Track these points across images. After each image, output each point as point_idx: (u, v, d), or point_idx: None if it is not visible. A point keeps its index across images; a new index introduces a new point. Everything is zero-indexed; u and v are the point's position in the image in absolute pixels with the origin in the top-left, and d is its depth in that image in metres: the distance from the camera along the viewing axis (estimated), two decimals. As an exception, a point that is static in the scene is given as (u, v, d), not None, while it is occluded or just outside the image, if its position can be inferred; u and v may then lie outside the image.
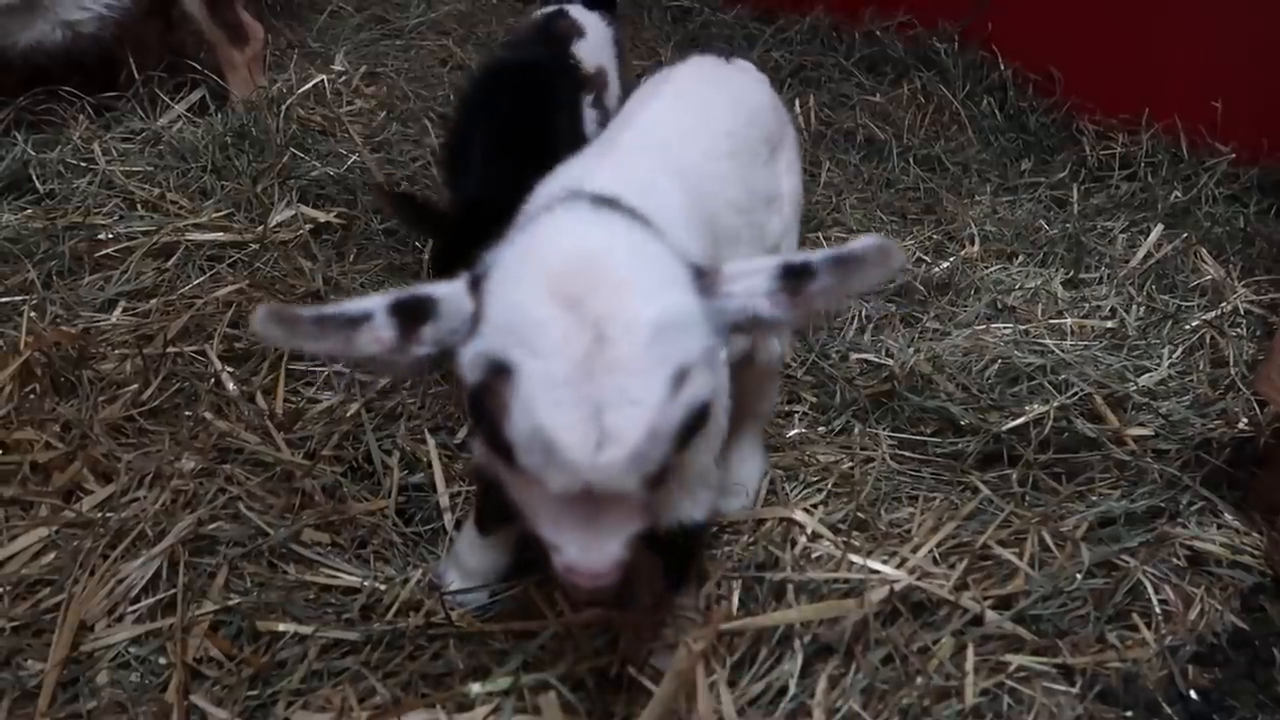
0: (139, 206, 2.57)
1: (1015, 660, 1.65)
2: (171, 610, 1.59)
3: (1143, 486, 2.03)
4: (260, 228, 2.50)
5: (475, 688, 1.45)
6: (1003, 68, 3.88)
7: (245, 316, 2.20)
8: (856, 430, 2.18)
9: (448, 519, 1.84)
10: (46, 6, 2.77)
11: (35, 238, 2.41)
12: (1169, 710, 1.64)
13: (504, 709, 1.43)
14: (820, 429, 2.20)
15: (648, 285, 1.04)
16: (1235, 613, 1.83)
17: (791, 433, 2.17)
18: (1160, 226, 2.99)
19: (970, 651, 1.63)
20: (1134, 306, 2.64)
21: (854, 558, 1.77)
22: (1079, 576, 1.79)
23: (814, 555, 1.81)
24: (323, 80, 3.11)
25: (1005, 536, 1.87)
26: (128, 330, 2.15)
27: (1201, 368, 2.40)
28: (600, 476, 1.00)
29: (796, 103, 3.64)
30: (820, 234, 2.92)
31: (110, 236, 2.44)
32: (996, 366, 2.30)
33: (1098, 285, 2.77)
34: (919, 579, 1.73)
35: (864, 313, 2.54)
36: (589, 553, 1.06)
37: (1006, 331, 2.49)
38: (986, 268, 2.84)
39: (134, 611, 1.60)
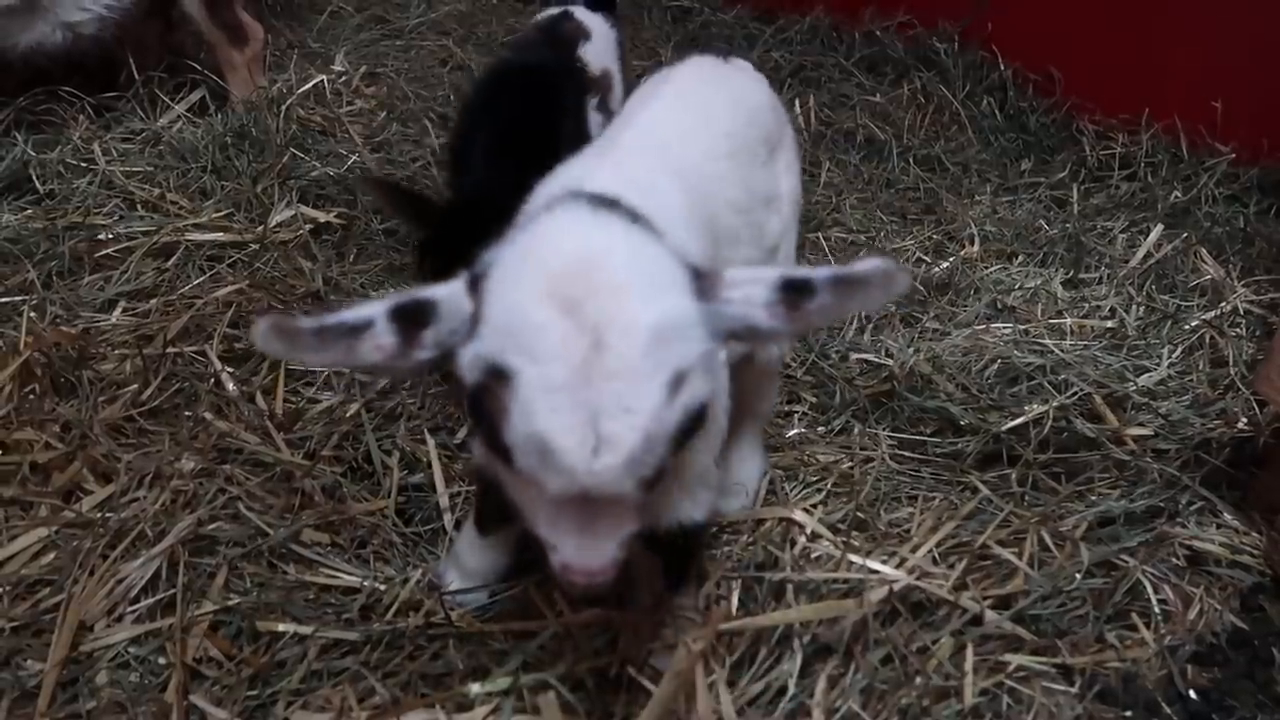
0: (139, 207, 2.57)
1: (1014, 660, 1.65)
2: (171, 610, 1.59)
3: (1142, 486, 2.03)
4: (260, 228, 2.50)
5: (475, 688, 1.45)
6: (1003, 68, 3.88)
7: (245, 317, 2.21)
8: (856, 430, 2.18)
9: (447, 519, 1.85)
10: (46, 8, 2.77)
11: (35, 238, 2.41)
12: (1168, 710, 1.64)
13: (503, 709, 1.43)
14: (820, 429, 2.20)
15: (646, 289, 1.04)
16: (1235, 612, 1.83)
17: (791, 433, 2.17)
18: (1160, 226, 2.99)
19: (969, 651, 1.63)
20: (1134, 306, 2.64)
21: (853, 558, 1.77)
22: (1078, 576, 1.79)
23: (813, 555, 1.81)
24: (323, 80, 3.12)
25: (1005, 536, 1.87)
26: (128, 330, 2.16)
27: (1201, 368, 2.40)
28: (596, 481, 1.00)
29: (796, 103, 3.65)
30: (820, 234, 2.93)
31: (110, 237, 2.44)
32: (996, 366, 2.30)
33: (1097, 285, 2.77)
34: (918, 579, 1.73)
35: (864, 313, 2.54)
36: (585, 553, 1.07)
37: (1006, 331, 2.49)
38: (986, 268, 2.84)
39: (133, 611, 1.60)
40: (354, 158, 2.82)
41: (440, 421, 2.05)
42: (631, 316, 1.01)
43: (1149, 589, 1.80)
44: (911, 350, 2.33)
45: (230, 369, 2.07)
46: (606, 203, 1.16)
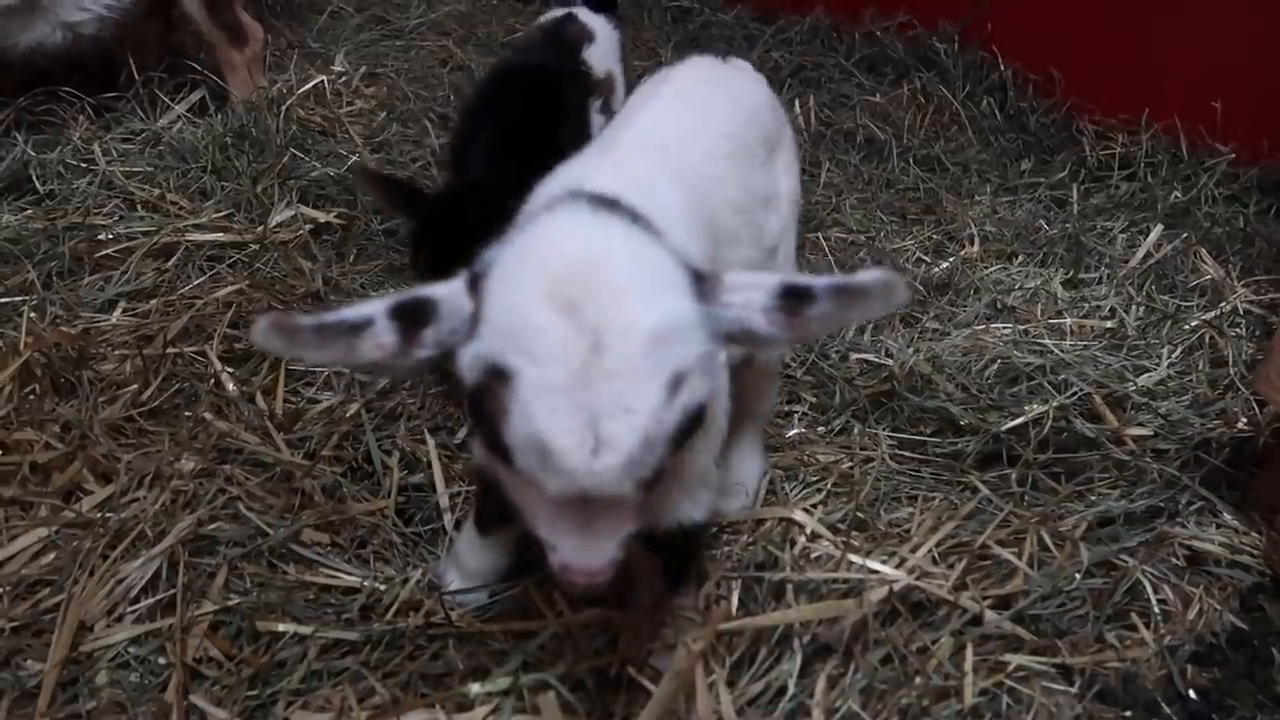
0: (139, 207, 2.57)
1: (1014, 660, 1.65)
2: (171, 610, 1.59)
3: (1142, 486, 2.03)
4: (260, 228, 2.50)
5: (475, 688, 1.45)
6: (1003, 68, 3.88)
7: (245, 317, 2.21)
8: (856, 430, 2.18)
9: (447, 519, 1.85)
10: (46, 8, 2.78)
11: (35, 238, 2.41)
12: (1168, 710, 1.64)
13: (503, 709, 1.43)
14: (820, 429, 2.20)
15: (646, 291, 1.04)
16: (1234, 612, 1.83)
17: (791, 433, 2.17)
18: (1160, 226, 2.99)
19: (969, 651, 1.63)
20: (1133, 306, 2.64)
21: (853, 558, 1.77)
22: (1078, 576, 1.79)
23: (813, 555, 1.81)
24: (323, 81, 3.12)
25: (1004, 536, 1.87)
26: (128, 331, 2.16)
27: (1201, 368, 2.40)
28: (595, 482, 1.01)
29: (796, 103, 3.65)
30: (820, 234, 2.93)
31: (110, 237, 2.44)
32: (996, 366, 2.30)
33: (1097, 285, 2.77)
34: (918, 579, 1.73)
35: (864, 314, 2.54)
36: (584, 553, 1.07)
37: (1006, 331, 2.49)
38: (986, 268, 2.84)
39: (133, 612, 1.60)
40: (354, 158, 2.82)
41: (440, 421, 2.05)
42: (631, 318, 1.01)
43: (1149, 589, 1.80)
44: (911, 350, 2.33)
45: (230, 369, 2.07)
46: (606, 203, 1.16)
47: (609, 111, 2.57)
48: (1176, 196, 3.23)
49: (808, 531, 1.85)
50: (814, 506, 1.94)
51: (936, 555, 1.82)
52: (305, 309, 2.22)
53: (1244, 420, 2.18)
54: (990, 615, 1.69)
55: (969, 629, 1.68)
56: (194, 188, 2.67)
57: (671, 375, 1.01)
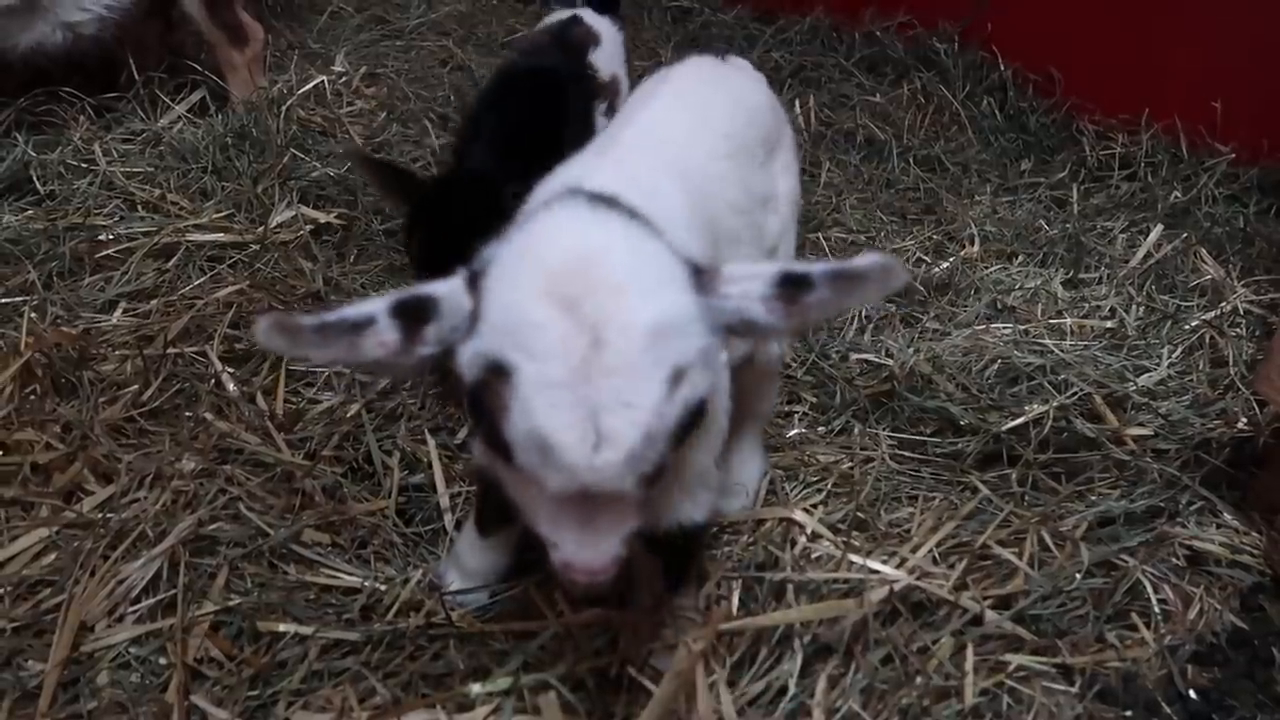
0: (139, 207, 2.57)
1: (1015, 660, 1.65)
2: (172, 611, 1.59)
3: (1142, 486, 2.03)
4: (261, 228, 2.50)
5: (475, 688, 1.45)
6: (1003, 68, 3.88)
7: (246, 317, 2.21)
8: (856, 430, 2.18)
9: (448, 519, 1.85)
10: (46, 8, 2.78)
11: (36, 239, 2.41)
12: (1168, 710, 1.64)
13: (504, 709, 1.43)
14: (820, 429, 2.20)
15: (645, 286, 1.04)
16: (1234, 612, 1.83)
17: (791, 433, 2.17)
18: (1160, 226, 2.99)
19: (970, 651, 1.63)
20: (1134, 306, 2.64)
21: (854, 558, 1.77)
22: (1078, 576, 1.79)
23: (814, 555, 1.81)
24: (323, 81, 3.12)
25: (1005, 536, 1.87)
26: (128, 331, 2.16)
27: (1201, 368, 2.40)
28: (597, 477, 1.01)
29: (796, 103, 3.65)
30: (820, 234, 2.93)
31: (111, 237, 2.44)
32: (996, 366, 2.30)
33: (1097, 285, 2.77)
34: (919, 579, 1.73)
35: (864, 313, 2.54)
36: (586, 550, 1.07)
37: (1006, 331, 2.49)
38: (986, 268, 2.84)
39: (134, 612, 1.60)
40: (353, 149, 2.82)
41: (441, 422, 2.05)
42: (630, 314, 1.01)
43: (1149, 589, 1.80)
44: (911, 350, 2.33)
45: (231, 369, 2.07)
46: (605, 200, 1.16)
47: (614, 115, 2.57)
48: (1176, 196, 3.24)
49: (808, 531, 1.85)
50: (814, 506, 1.94)
51: (937, 555, 1.82)
52: (306, 309, 2.23)
53: (1244, 420, 2.18)
54: (991, 615, 1.69)
55: (969, 629, 1.68)
56: (194, 188, 2.67)
57: (672, 370, 1.01)
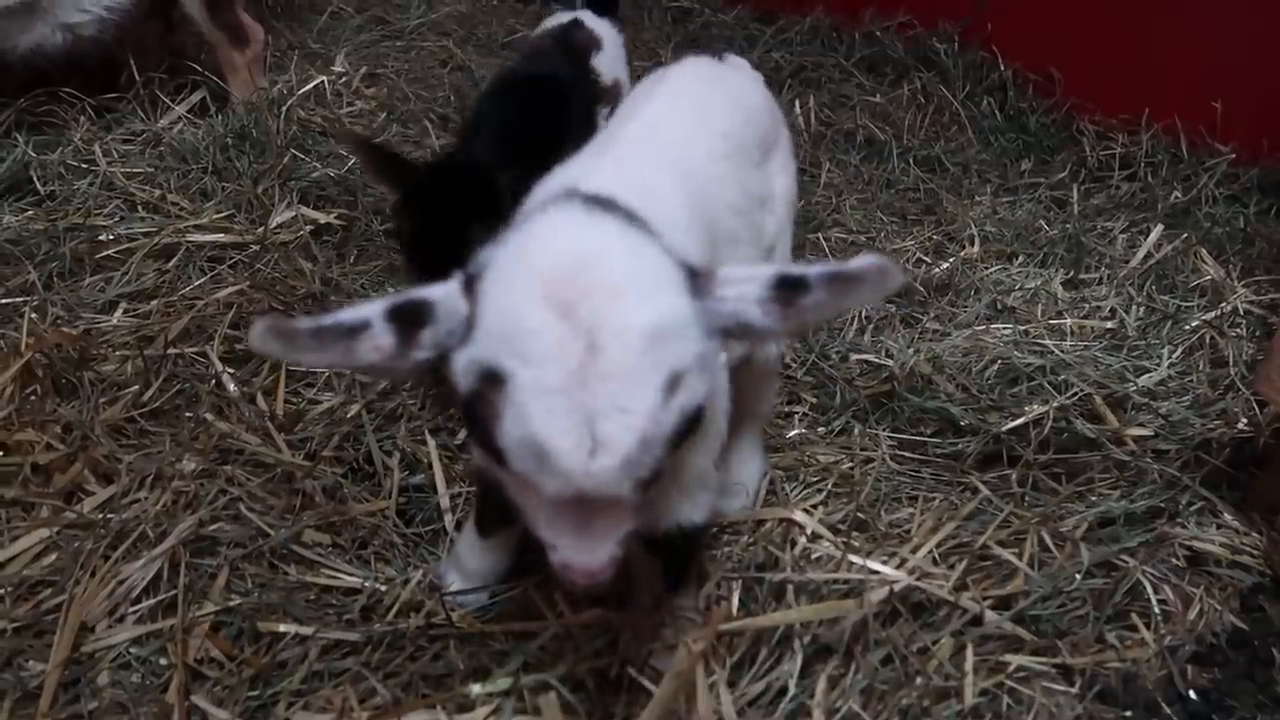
0: (140, 208, 2.57)
1: (1015, 660, 1.65)
2: (172, 611, 1.60)
3: (1142, 487, 2.03)
4: (261, 229, 2.50)
5: (475, 688, 1.45)
6: (1003, 68, 3.88)
7: (246, 318, 2.21)
8: (856, 431, 2.18)
9: (448, 520, 1.85)
10: (46, 9, 2.78)
11: (36, 239, 2.41)
12: (1168, 710, 1.64)
13: (504, 710, 1.43)
14: (820, 429, 2.20)
15: (641, 291, 1.04)
16: (1234, 613, 1.83)
17: (791, 433, 2.17)
18: (1160, 227, 2.99)
19: (970, 652, 1.63)
20: (1134, 307, 2.64)
21: (854, 558, 1.77)
22: (1078, 577, 1.79)
23: (814, 556, 1.81)
24: (323, 81, 3.12)
25: (1005, 537, 1.87)
26: (129, 331, 2.16)
27: (1201, 368, 2.40)
28: (593, 483, 1.00)
29: (796, 103, 3.65)
30: (820, 234, 2.93)
31: (111, 238, 2.44)
32: (996, 367, 2.30)
33: (1097, 285, 2.77)
34: (919, 579, 1.73)
35: (864, 313, 2.54)
36: (583, 552, 1.07)
37: (1006, 332, 2.49)
38: (986, 268, 2.84)
39: (135, 612, 1.60)
40: (354, 159, 2.82)
41: (441, 422, 2.05)
42: (626, 319, 1.00)
43: (1149, 589, 1.80)
44: (911, 351, 2.33)
45: (231, 370, 2.07)
46: (601, 203, 1.16)
47: None
48: (1176, 196, 3.23)
49: (808, 532, 1.85)
50: (814, 507, 1.94)
51: (937, 556, 1.82)
52: (306, 310, 2.23)
53: (1244, 420, 2.18)
54: (991, 616, 1.69)
55: (969, 629, 1.68)
56: (195, 188, 2.67)
57: (668, 375, 1.01)
